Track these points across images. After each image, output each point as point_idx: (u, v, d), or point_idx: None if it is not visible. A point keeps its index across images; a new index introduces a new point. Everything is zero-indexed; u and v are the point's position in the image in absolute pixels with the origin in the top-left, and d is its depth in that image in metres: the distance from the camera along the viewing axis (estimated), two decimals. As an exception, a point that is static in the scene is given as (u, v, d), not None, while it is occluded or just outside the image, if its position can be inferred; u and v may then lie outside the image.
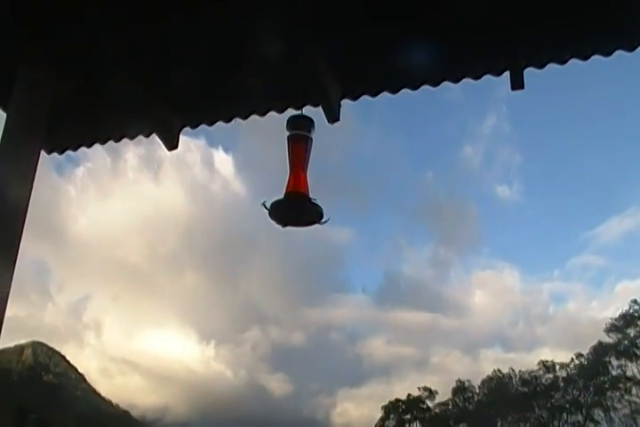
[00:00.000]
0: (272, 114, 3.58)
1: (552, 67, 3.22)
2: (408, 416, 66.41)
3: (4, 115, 3.25)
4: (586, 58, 3.15)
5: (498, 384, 64.09)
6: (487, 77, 3.30)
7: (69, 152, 4.01)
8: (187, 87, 3.58)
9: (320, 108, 3.43)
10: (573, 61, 3.17)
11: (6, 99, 3.21)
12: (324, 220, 3.43)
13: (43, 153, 3.36)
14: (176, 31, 3.34)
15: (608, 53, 3.08)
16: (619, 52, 3.07)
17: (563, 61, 3.18)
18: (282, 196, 3.43)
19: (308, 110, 3.51)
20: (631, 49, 3.03)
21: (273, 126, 3.77)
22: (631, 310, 55.63)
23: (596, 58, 3.13)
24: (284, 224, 3.48)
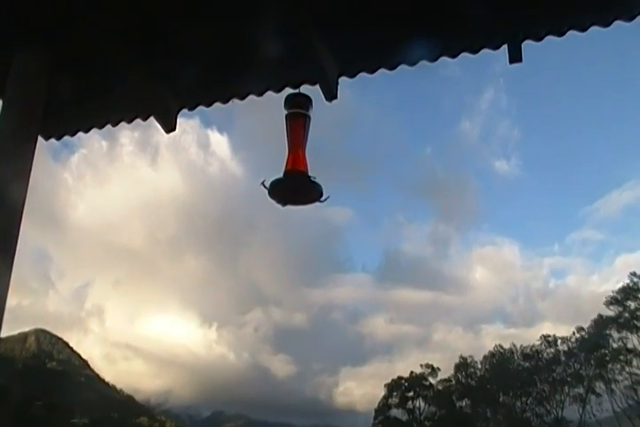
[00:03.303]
0: (269, 93, 3.55)
1: (550, 39, 3.19)
2: (411, 394, 66.91)
3: (0, 101, 3.23)
4: (584, 29, 3.11)
5: (500, 360, 64.63)
6: (485, 51, 3.26)
7: (67, 138, 4.00)
8: (184, 69, 3.55)
9: (318, 87, 3.41)
10: (572, 33, 3.14)
11: (3, 85, 3.19)
12: (324, 197, 3.39)
13: (40, 139, 3.34)
14: (173, 15, 3.33)
15: (607, 24, 3.05)
16: (617, 23, 3.04)
17: (561, 33, 3.14)
18: (281, 175, 3.40)
19: (305, 89, 3.49)
20: (630, 19, 3.00)
21: (266, 106, 3.74)
22: (631, 283, 55.90)
23: (594, 29, 3.10)
24: (284, 203, 3.44)
